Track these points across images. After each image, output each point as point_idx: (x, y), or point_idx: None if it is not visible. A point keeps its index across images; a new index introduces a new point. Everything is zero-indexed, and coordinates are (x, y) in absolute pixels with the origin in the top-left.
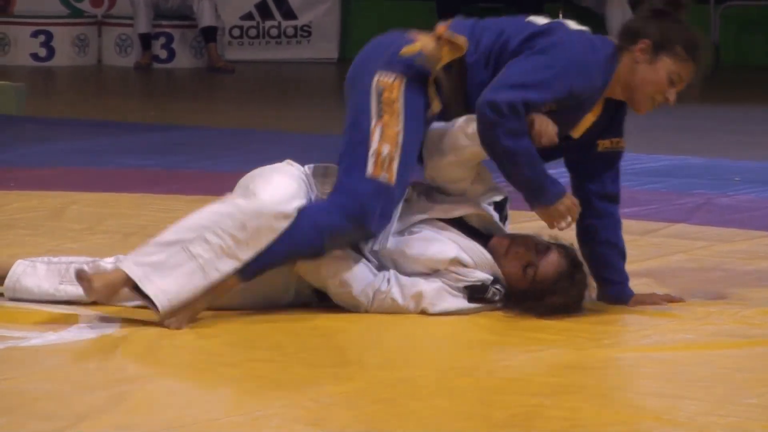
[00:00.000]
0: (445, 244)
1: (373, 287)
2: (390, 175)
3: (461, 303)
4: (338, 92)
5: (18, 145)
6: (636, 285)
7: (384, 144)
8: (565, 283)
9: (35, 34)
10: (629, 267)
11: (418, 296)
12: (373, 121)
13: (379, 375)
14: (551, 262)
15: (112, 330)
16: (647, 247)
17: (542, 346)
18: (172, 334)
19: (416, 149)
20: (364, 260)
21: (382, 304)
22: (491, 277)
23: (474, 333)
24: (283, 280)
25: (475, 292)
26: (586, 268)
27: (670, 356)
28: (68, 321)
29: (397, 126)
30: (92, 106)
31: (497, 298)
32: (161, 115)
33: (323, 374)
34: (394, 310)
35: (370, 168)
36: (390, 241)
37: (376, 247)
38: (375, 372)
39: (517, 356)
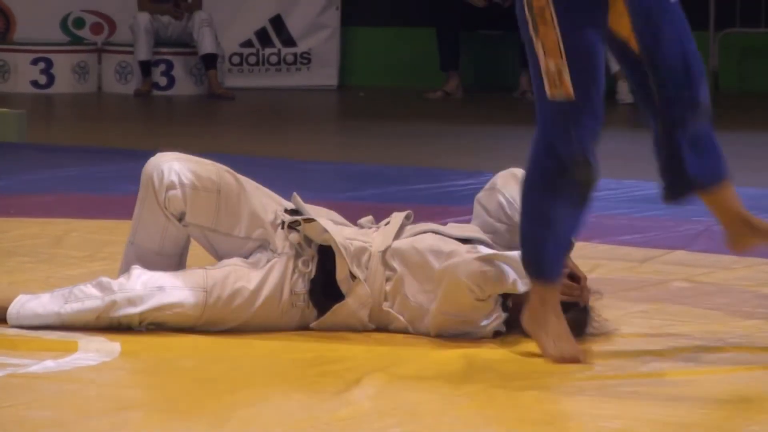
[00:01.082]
0: (456, 244)
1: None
2: (564, 89)
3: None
4: (338, 118)
5: (18, 172)
6: (635, 312)
7: (549, 59)
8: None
9: (35, 62)
10: (627, 294)
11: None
12: (534, 40)
13: (376, 396)
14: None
15: (112, 357)
16: (647, 274)
17: (541, 371)
18: (173, 359)
19: (589, 48)
20: None
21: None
22: None
23: (473, 357)
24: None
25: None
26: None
27: (669, 381)
28: (68, 348)
29: (553, 34)
30: (92, 133)
31: None
32: (161, 141)
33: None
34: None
35: (546, 91)
36: (396, 242)
37: (381, 248)
38: (373, 393)
39: (515, 382)
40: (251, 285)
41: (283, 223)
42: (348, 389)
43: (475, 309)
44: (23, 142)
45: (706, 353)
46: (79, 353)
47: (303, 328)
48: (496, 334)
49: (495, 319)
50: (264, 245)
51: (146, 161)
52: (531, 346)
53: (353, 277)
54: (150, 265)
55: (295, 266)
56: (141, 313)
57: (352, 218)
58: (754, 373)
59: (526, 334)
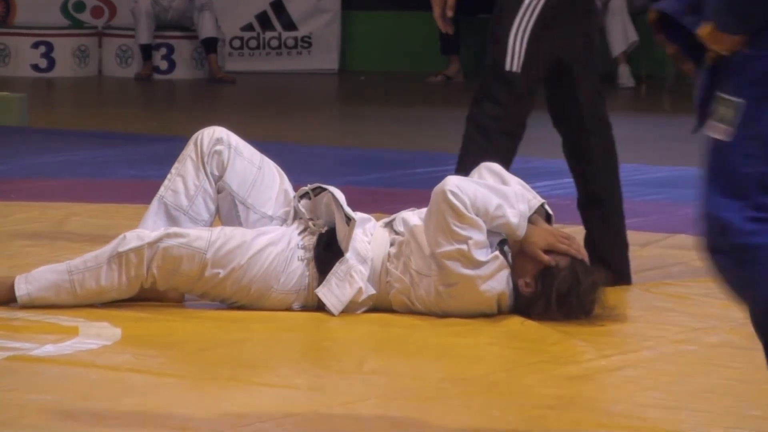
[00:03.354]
0: None
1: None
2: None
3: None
4: (339, 103)
5: (19, 156)
6: (634, 296)
7: None
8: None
9: (36, 45)
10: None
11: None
12: None
13: (379, 381)
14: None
15: (113, 341)
16: (647, 257)
17: (543, 357)
18: (174, 344)
19: None
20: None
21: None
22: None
23: (476, 343)
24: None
25: (500, 243)
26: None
27: (672, 367)
28: (69, 332)
29: None
30: (93, 117)
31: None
32: (162, 126)
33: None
34: None
35: None
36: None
37: (387, 219)
38: (376, 378)
39: (518, 368)
40: (257, 232)
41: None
42: (349, 371)
43: (461, 227)
44: (24, 126)
45: (708, 337)
46: (79, 337)
47: (303, 298)
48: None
49: (493, 258)
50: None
51: (147, 146)
52: (531, 333)
53: (348, 219)
54: (173, 222)
55: (306, 227)
56: (150, 244)
57: (353, 202)
58: (757, 360)
59: (528, 311)
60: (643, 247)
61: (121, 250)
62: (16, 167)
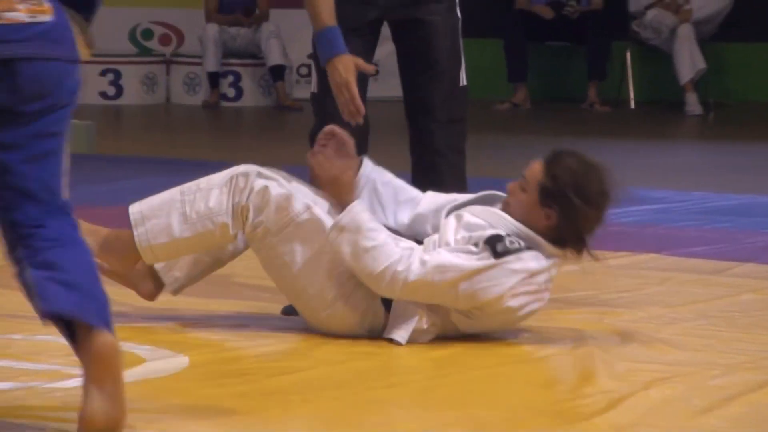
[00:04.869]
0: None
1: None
2: None
3: (487, 260)
4: (405, 129)
5: (88, 183)
6: (703, 325)
7: None
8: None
9: (104, 73)
10: (697, 306)
11: (442, 267)
12: None
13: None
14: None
15: (181, 368)
16: (716, 286)
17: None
18: (239, 370)
19: None
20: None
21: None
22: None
23: (541, 375)
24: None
25: (495, 242)
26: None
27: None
28: (137, 361)
29: None
30: (161, 145)
31: (517, 245)
32: (229, 153)
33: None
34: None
35: None
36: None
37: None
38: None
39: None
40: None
41: None
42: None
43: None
44: (92, 153)
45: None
46: (148, 364)
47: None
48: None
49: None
50: None
51: (215, 173)
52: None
53: None
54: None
55: None
56: (260, 173)
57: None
58: None
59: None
60: (712, 275)
61: (233, 173)
62: (85, 194)
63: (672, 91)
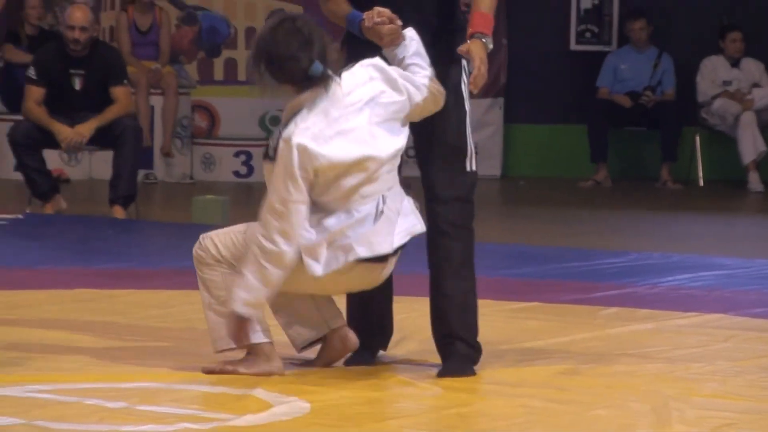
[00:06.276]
0: None
1: None
2: None
3: None
4: (501, 205)
5: None
6: (766, 378)
7: None
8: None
9: (237, 154)
10: (760, 361)
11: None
12: None
13: None
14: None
15: (304, 413)
16: None
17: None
18: (356, 415)
19: None
20: None
21: None
22: None
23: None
24: None
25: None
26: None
27: None
28: (262, 407)
29: None
30: None
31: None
32: None
33: None
34: None
35: None
36: None
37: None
38: None
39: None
40: None
41: None
42: None
43: None
44: (226, 224)
45: None
46: (274, 409)
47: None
48: None
49: None
50: None
51: None
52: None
53: None
54: None
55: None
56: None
57: (512, 292)
58: None
59: None
60: None
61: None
62: None
63: (736, 171)
